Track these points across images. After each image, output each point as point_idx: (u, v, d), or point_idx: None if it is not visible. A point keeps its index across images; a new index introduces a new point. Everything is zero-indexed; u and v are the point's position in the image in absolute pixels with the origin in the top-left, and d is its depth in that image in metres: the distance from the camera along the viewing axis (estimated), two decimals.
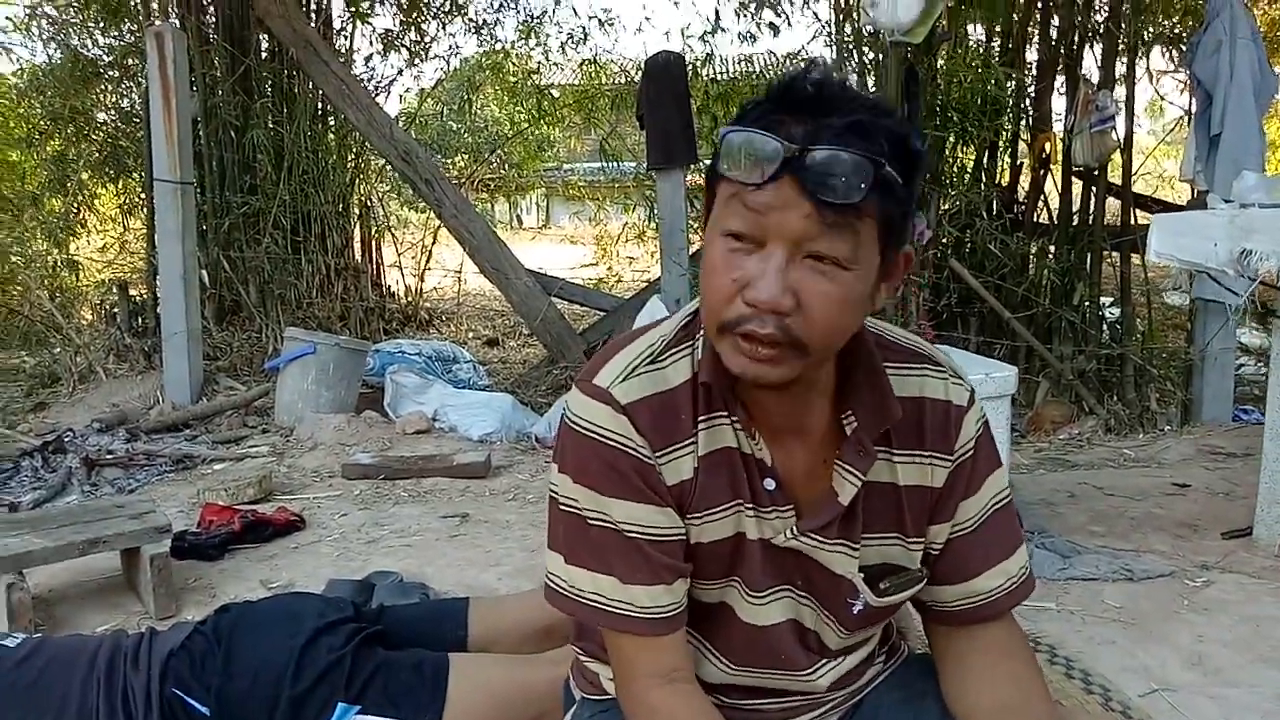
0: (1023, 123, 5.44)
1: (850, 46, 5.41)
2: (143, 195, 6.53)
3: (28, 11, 6.97)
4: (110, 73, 6.83)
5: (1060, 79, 5.31)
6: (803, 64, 0.93)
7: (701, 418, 1.00)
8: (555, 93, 9.07)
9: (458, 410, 4.51)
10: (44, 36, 6.86)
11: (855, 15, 5.05)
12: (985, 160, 5.50)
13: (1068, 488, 3.32)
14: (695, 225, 5.18)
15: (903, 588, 1.06)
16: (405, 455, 3.92)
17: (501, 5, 8.20)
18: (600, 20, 8.41)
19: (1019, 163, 5.56)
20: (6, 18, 7.75)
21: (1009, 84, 5.07)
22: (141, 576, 2.44)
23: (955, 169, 5.44)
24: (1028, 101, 5.35)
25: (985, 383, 2.44)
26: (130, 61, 6.56)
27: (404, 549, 2.88)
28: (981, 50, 5.50)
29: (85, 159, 7.03)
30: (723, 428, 1.00)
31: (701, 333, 1.00)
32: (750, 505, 1.01)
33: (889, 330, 1.06)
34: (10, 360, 6.53)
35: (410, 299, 8.27)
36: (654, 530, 0.99)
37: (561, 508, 1.02)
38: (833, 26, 5.61)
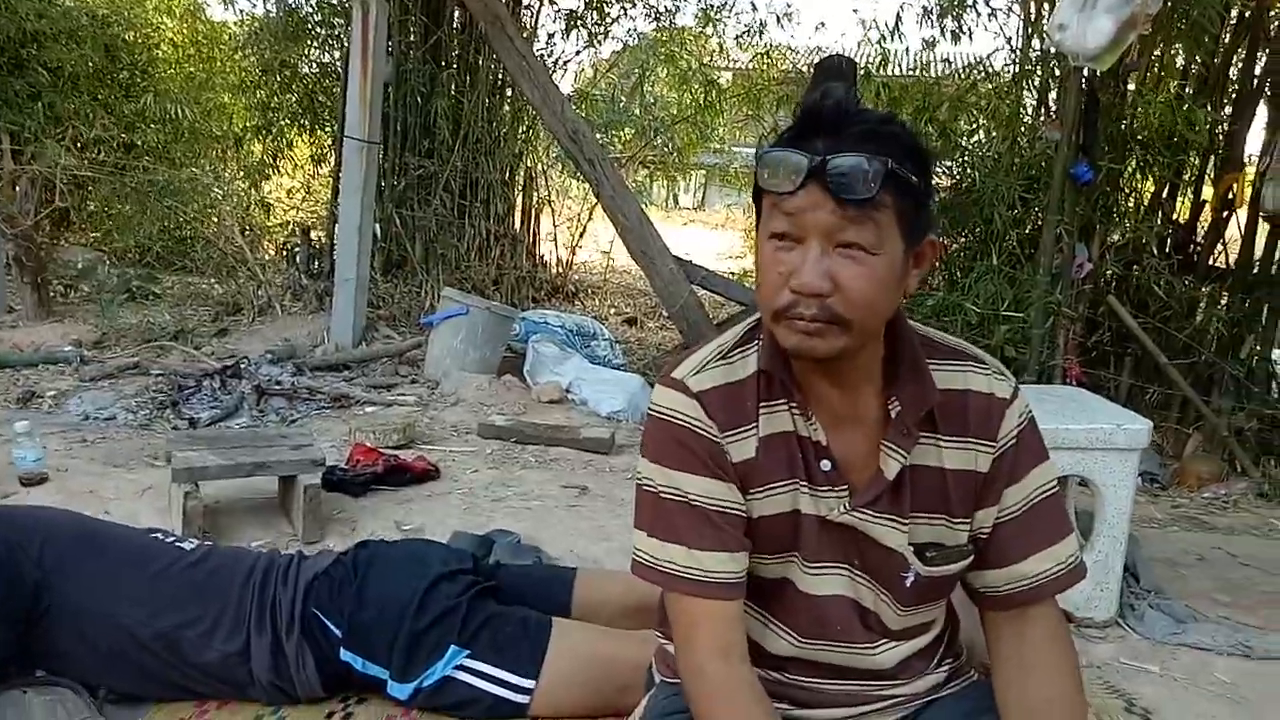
0: (1211, 159, 5.11)
1: (1035, 63, 5.21)
2: (332, 148, 7.01)
3: None
4: (317, 30, 7.33)
5: (1262, 117, 4.95)
6: (820, 93, 1.07)
7: (763, 403, 1.13)
8: (724, 82, 9.09)
9: (590, 385, 4.68)
10: None
11: (1044, 35, 4.87)
12: (1164, 195, 5.20)
13: (1199, 549, 3.16)
14: None
15: (949, 559, 1.16)
16: (537, 422, 4.11)
17: None
18: (778, 17, 8.39)
19: (1201, 201, 5.22)
20: None
21: (1202, 117, 4.77)
22: (295, 502, 2.70)
23: (1129, 202, 5.17)
24: (1220, 137, 5.01)
25: (1115, 433, 2.37)
26: (335, 21, 7.04)
27: (525, 511, 3.06)
28: (1175, 80, 5.18)
29: (286, 108, 7.58)
30: (782, 413, 1.14)
31: (762, 335, 1.13)
32: (806, 483, 1.13)
33: (937, 334, 1.18)
34: (201, 285, 7.14)
35: (560, 270, 8.53)
36: (719, 502, 1.12)
37: (643, 488, 1.17)
38: (1019, 41, 5.41)
